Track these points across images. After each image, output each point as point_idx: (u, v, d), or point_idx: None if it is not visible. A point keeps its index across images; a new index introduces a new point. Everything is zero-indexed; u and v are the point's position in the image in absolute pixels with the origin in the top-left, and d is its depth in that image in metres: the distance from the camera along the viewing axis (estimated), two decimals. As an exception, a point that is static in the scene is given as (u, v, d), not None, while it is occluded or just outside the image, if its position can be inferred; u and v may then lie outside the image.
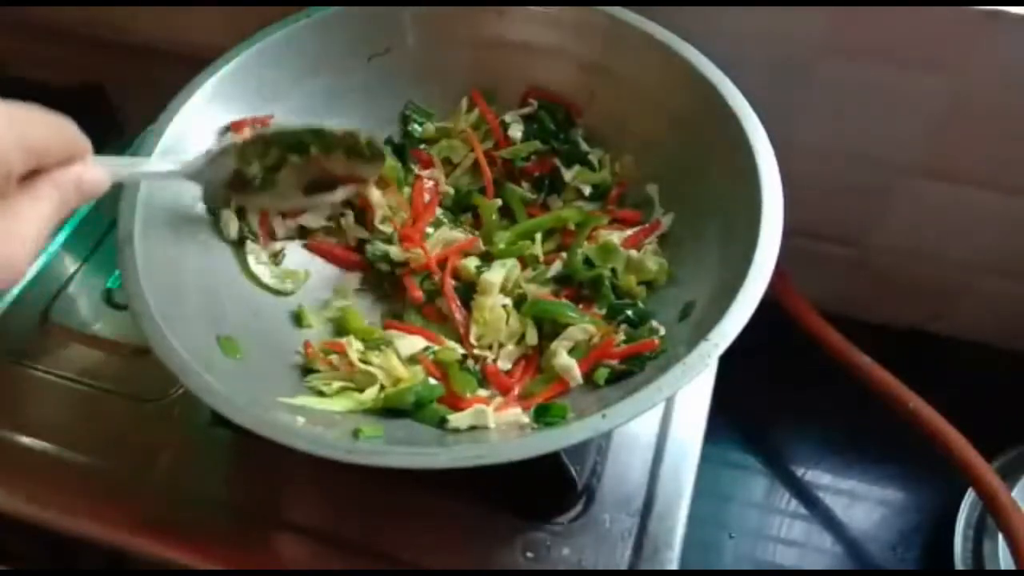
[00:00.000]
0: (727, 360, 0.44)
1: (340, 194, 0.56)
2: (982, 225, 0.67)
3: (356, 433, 0.44)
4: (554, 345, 0.51)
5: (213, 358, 0.47)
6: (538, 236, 0.57)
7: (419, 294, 0.55)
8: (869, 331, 0.70)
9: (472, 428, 0.46)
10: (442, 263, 0.55)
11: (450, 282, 0.55)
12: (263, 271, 0.55)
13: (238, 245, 0.55)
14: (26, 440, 0.57)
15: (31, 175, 0.36)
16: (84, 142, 0.39)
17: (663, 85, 0.56)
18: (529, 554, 0.51)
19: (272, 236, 0.57)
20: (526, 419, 0.47)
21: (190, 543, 0.52)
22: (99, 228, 0.69)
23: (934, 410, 0.61)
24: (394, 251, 0.56)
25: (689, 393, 0.58)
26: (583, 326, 0.51)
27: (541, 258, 0.57)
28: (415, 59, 0.61)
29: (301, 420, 0.45)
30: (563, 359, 0.49)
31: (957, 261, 0.71)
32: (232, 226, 0.54)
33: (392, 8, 0.60)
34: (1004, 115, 0.60)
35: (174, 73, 0.55)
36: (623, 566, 0.51)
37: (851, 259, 0.74)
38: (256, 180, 0.52)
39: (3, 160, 0.33)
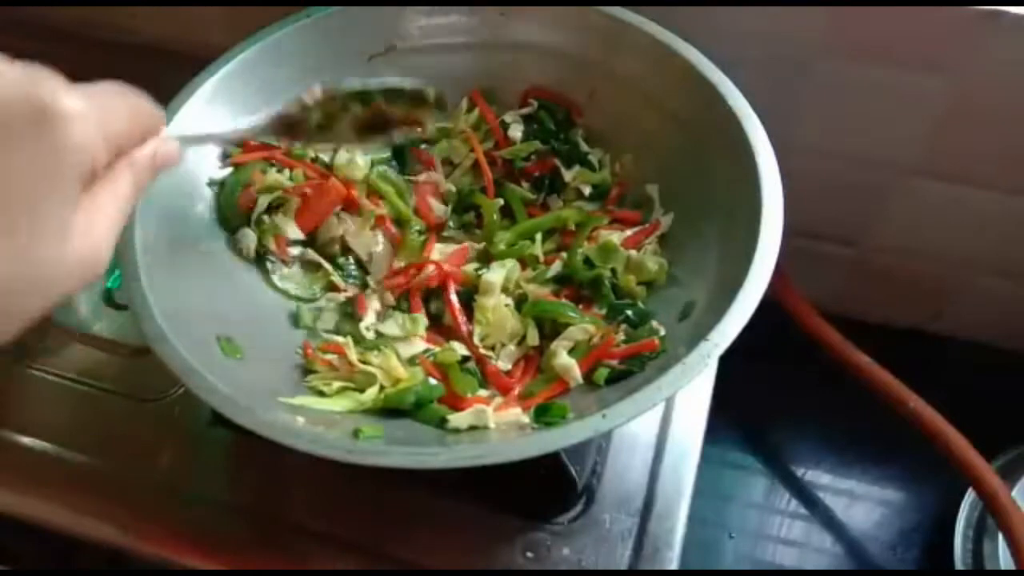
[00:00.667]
0: (727, 360, 0.44)
1: (395, 136, 0.53)
2: (982, 225, 0.67)
3: (356, 433, 0.44)
4: (554, 345, 0.51)
5: (213, 358, 0.47)
6: (538, 236, 0.57)
7: (422, 311, 0.55)
8: (869, 331, 0.70)
9: (472, 428, 0.46)
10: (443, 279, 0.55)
11: (453, 296, 0.54)
12: (289, 285, 0.56)
13: (257, 262, 0.55)
14: (26, 440, 0.57)
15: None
16: (159, 117, 0.37)
17: (663, 85, 0.56)
18: (529, 554, 0.51)
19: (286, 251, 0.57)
20: (526, 419, 0.47)
21: (190, 543, 0.52)
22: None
23: (934, 410, 0.61)
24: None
25: (689, 393, 0.58)
26: (583, 326, 0.51)
27: (541, 258, 0.57)
28: (415, 59, 0.61)
29: (301, 420, 0.45)
30: (563, 359, 0.49)
31: (957, 261, 0.71)
32: (251, 244, 0.55)
33: (392, 8, 0.60)
34: (1004, 115, 0.60)
35: (174, 73, 0.55)
36: (623, 566, 0.51)
37: (851, 259, 0.74)
38: (313, 128, 0.50)
39: (90, 157, 0.31)
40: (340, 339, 0.52)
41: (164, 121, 0.38)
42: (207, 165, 0.55)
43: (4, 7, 0.82)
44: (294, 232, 0.56)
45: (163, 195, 0.51)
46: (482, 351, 0.52)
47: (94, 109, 0.31)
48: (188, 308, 0.48)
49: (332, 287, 0.57)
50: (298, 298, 0.56)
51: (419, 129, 0.52)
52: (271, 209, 0.56)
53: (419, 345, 0.52)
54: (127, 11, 0.80)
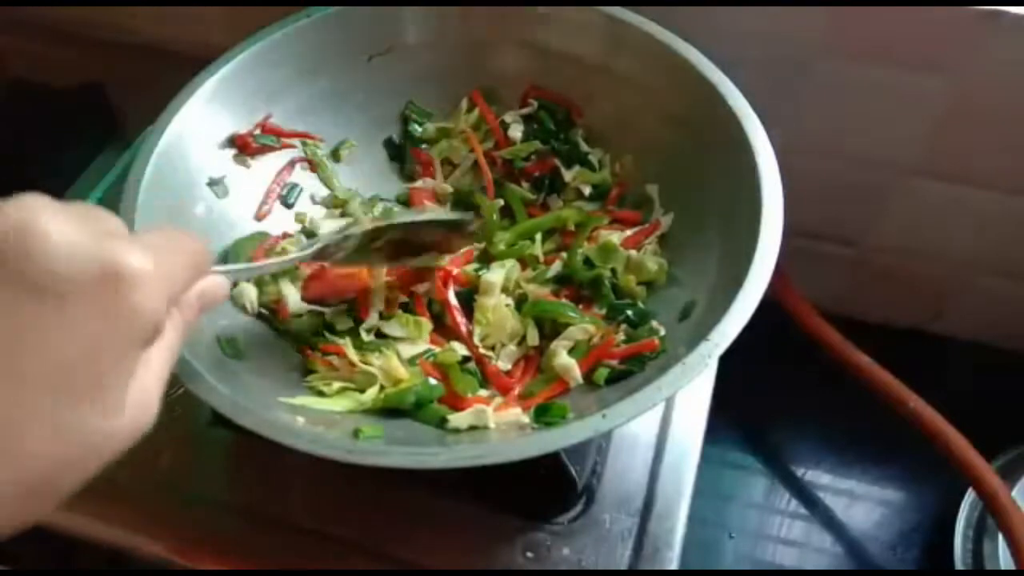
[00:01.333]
0: (727, 360, 0.44)
1: (425, 260, 0.54)
2: (982, 225, 0.67)
3: (356, 433, 0.44)
4: (554, 345, 0.51)
5: (214, 359, 0.47)
6: (538, 237, 0.57)
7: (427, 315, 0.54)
8: (869, 331, 0.70)
9: (472, 428, 0.46)
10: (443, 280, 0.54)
11: (452, 298, 0.54)
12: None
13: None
14: (26, 440, 0.57)
15: None
16: (207, 256, 0.34)
17: (663, 85, 0.56)
18: (529, 554, 0.51)
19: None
20: (526, 419, 0.47)
21: (190, 542, 0.52)
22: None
23: (934, 410, 0.61)
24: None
25: (689, 393, 0.58)
26: (583, 326, 0.51)
27: (541, 258, 0.57)
28: (415, 59, 0.61)
29: (301, 420, 0.45)
30: (563, 359, 0.49)
31: (957, 261, 0.71)
32: (252, 300, 0.53)
33: (392, 8, 0.60)
34: (1004, 115, 0.60)
35: (174, 73, 0.55)
36: (623, 566, 0.51)
37: (851, 259, 0.74)
38: (351, 253, 0.50)
39: (157, 321, 0.29)
40: (340, 340, 0.52)
41: (211, 259, 0.37)
42: (207, 165, 0.55)
43: (5, 7, 0.82)
44: (295, 302, 0.54)
45: (163, 195, 0.51)
46: (482, 351, 0.52)
47: (160, 266, 0.28)
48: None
49: None
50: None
51: (447, 256, 0.54)
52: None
53: (421, 345, 0.52)
54: (128, 11, 0.80)
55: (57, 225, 0.26)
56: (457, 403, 0.48)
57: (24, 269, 0.26)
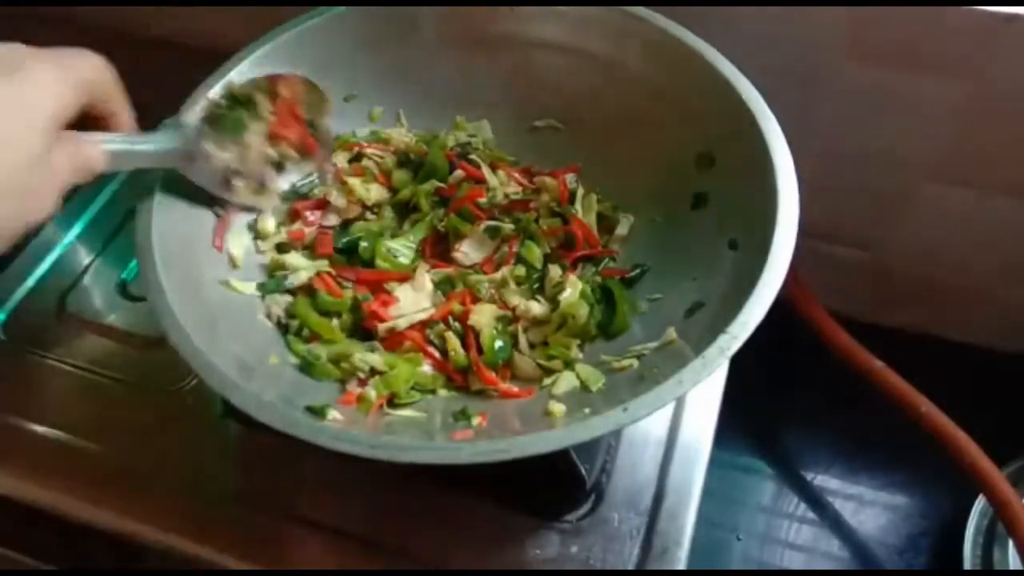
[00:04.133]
0: (738, 363, 0.44)
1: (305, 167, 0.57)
2: (1000, 230, 0.67)
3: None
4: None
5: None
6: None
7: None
8: (882, 335, 0.70)
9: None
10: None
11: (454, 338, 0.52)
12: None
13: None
14: (39, 428, 0.58)
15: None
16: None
17: (680, 84, 0.55)
18: (537, 551, 0.51)
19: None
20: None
21: (202, 533, 0.53)
22: (114, 220, 0.70)
23: (946, 416, 0.61)
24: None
25: (700, 392, 0.58)
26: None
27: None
28: (429, 58, 0.61)
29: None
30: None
31: (974, 266, 0.70)
32: (279, 311, 0.53)
33: (405, 8, 0.60)
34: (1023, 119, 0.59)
35: (186, 70, 0.55)
36: (631, 565, 0.51)
37: (866, 262, 0.73)
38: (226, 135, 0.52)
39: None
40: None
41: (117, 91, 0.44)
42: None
43: (29, 6, 0.83)
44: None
45: (182, 192, 0.51)
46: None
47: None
48: (208, 305, 0.49)
49: None
50: None
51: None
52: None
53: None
54: (141, 10, 0.80)
55: None
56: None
57: None
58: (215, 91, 0.53)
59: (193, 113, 0.51)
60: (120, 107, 0.45)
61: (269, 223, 0.56)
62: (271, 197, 0.56)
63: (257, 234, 0.56)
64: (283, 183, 0.56)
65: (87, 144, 0.43)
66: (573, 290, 0.52)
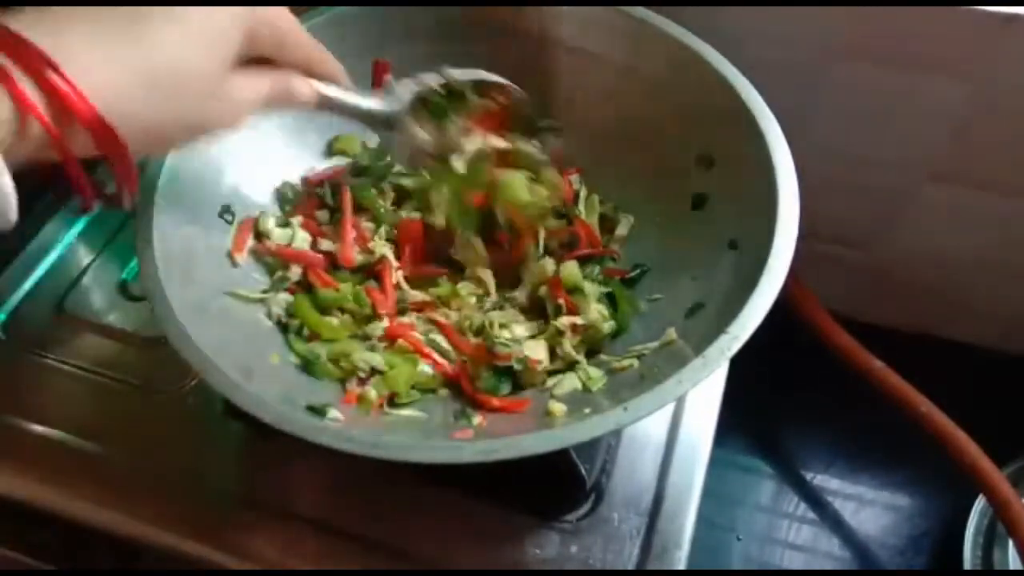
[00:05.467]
0: (737, 363, 0.44)
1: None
2: (1000, 230, 0.67)
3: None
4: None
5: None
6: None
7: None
8: (881, 334, 0.70)
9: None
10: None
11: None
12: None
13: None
14: (39, 428, 0.57)
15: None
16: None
17: (680, 84, 0.55)
18: (537, 551, 0.51)
19: None
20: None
21: (202, 533, 0.53)
22: (114, 220, 0.70)
23: (946, 416, 0.61)
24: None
25: (699, 392, 0.58)
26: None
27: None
28: (435, 58, 0.61)
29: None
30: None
31: (973, 266, 0.70)
32: (278, 311, 0.53)
33: (411, 7, 0.60)
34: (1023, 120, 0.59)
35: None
36: (631, 565, 0.51)
37: (864, 262, 0.73)
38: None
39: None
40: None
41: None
42: (230, 161, 0.56)
43: (31, 6, 0.83)
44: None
45: (184, 192, 0.51)
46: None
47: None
48: (209, 304, 0.49)
49: None
50: None
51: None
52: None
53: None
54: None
55: None
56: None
57: None
58: (433, 77, 0.53)
59: (405, 89, 0.52)
60: (332, 66, 0.47)
61: (269, 223, 0.56)
62: None
63: (257, 234, 0.56)
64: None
65: (298, 79, 0.44)
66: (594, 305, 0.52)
